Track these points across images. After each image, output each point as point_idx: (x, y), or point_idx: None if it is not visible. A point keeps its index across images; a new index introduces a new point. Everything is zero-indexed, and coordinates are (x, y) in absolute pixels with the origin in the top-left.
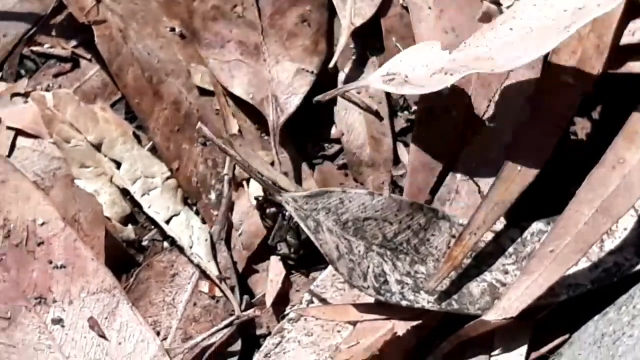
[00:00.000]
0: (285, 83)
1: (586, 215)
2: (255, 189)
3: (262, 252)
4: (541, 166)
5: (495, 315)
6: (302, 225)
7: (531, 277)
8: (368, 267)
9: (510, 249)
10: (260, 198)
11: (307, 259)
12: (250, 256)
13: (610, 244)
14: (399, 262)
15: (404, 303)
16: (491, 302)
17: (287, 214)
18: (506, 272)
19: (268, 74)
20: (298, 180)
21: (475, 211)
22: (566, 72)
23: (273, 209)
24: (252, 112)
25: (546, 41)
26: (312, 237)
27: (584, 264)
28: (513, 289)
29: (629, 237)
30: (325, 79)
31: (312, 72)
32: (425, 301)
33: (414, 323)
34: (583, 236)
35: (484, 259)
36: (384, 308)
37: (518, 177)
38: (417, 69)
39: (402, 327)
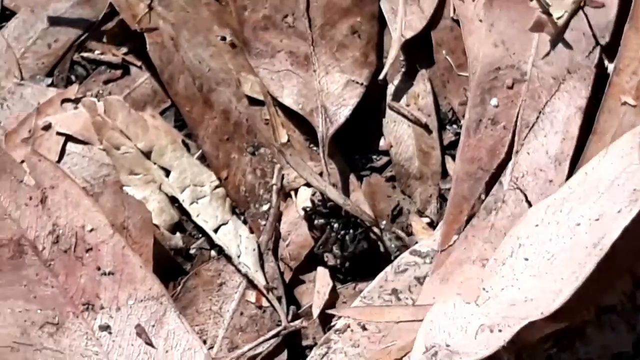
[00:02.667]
0: (335, 94)
1: None
2: (303, 200)
3: (309, 263)
4: None
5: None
6: None
7: None
8: None
9: None
10: (308, 209)
11: (353, 270)
12: (297, 267)
13: None
14: None
15: None
16: None
17: (335, 225)
18: None
19: (318, 85)
20: (346, 192)
21: None
22: (627, 94)
23: (321, 220)
24: (301, 123)
25: (579, 265)
26: None
27: (622, 329)
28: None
29: None
30: (374, 90)
31: (362, 84)
32: None
33: None
34: None
35: None
36: (422, 310)
37: None
38: (453, 334)
39: None
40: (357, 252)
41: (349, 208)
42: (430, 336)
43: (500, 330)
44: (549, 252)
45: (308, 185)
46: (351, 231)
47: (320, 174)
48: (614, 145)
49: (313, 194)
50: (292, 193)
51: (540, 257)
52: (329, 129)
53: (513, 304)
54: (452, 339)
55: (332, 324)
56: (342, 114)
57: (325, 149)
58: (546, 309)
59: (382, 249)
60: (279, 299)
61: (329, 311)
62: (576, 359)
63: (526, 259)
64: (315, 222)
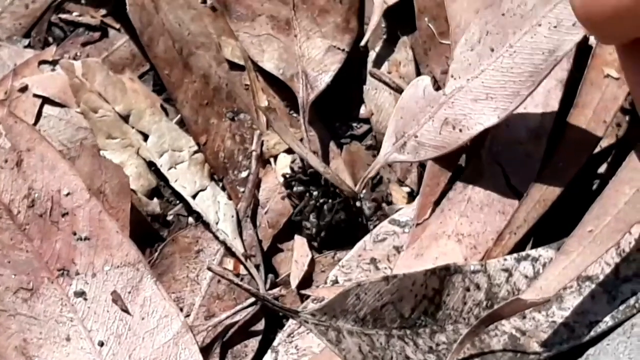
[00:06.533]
0: (316, 60)
1: (627, 195)
2: (282, 167)
3: (288, 231)
4: (591, 152)
5: (532, 295)
6: (323, 341)
7: (569, 257)
8: (391, 357)
9: (524, 288)
10: (287, 176)
11: (331, 239)
12: (275, 235)
13: (627, 270)
14: (420, 338)
15: None
16: (514, 357)
17: (314, 193)
18: (524, 317)
19: (299, 50)
20: (325, 159)
21: (515, 210)
22: (610, 66)
23: (300, 188)
24: (282, 88)
25: (536, 70)
26: (335, 351)
27: (602, 299)
28: (550, 269)
29: None
30: (355, 57)
31: (343, 50)
32: None
33: None
34: (624, 216)
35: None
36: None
37: (560, 173)
38: (421, 123)
39: None
40: (334, 222)
41: (329, 177)
42: (400, 124)
43: (460, 130)
44: (512, 46)
45: (288, 152)
46: (330, 200)
47: (301, 141)
48: None
49: (292, 161)
50: (272, 160)
51: (504, 50)
52: (309, 94)
53: (476, 100)
54: (420, 129)
55: (310, 293)
56: (323, 80)
57: (305, 115)
58: (502, 113)
59: (361, 218)
60: (257, 267)
61: (304, 292)
62: (551, 321)
63: (492, 50)
64: (295, 189)
